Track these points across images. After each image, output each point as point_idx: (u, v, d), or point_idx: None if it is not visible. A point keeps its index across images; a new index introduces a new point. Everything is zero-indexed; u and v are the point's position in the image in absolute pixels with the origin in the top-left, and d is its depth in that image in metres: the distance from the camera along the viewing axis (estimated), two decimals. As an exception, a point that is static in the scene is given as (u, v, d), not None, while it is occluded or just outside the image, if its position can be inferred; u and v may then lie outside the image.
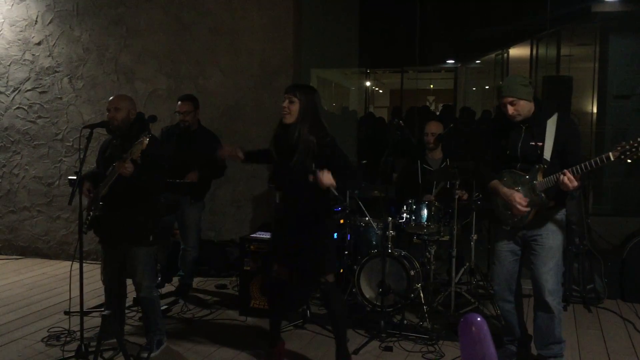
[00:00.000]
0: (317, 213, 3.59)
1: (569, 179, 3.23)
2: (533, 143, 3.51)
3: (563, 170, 3.29)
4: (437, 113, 11.66)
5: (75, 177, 3.80)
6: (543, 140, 3.48)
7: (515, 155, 3.58)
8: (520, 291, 3.83)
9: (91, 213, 3.83)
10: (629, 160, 3.05)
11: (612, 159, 3.09)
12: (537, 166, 3.48)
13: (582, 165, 3.21)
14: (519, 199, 3.48)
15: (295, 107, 3.51)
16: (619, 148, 3.08)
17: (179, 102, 5.08)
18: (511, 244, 3.70)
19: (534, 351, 3.83)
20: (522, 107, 3.49)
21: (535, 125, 3.52)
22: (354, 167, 3.52)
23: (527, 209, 3.47)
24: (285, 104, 3.53)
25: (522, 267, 3.76)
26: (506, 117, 3.56)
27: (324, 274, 3.60)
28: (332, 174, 3.31)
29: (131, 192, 3.76)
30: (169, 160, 4.24)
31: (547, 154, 3.47)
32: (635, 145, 3.03)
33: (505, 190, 3.56)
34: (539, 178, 3.46)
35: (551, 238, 3.56)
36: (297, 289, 4.09)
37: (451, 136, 5.26)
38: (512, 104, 3.48)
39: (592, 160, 3.17)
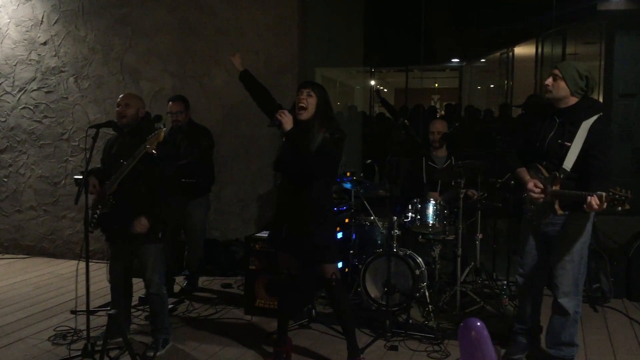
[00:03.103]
0: (321, 204, 3.58)
1: (596, 203, 3.08)
2: (560, 141, 3.44)
3: (590, 181, 3.24)
4: (442, 112, 11.65)
5: (81, 177, 3.81)
6: (572, 141, 3.39)
7: (542, 150, 3.51)
8: (543, 286, 3.83)
9: (98, 211, 3.85)
10: (619, 208, 3.05)
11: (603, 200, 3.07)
12: (554, 174, 3.41)
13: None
14: (532, 185, 3.45)
15: (313, 101, 3.52)
16: (611, 192, 3.06)
17: (170, 103, 5.09)
18: (536, 238, 3.67)
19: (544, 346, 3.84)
20: (559, 88, 3.42)
21: (570, 123, 3.44)
22: (318, 159, 3.45)
23: (542, 195, 3.41)
24: (304, 96, 3.51)
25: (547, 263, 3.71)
26: (544, 107, 3.55)
27: (327, 263, 3.60)
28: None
29: (140, 189, 3.77)
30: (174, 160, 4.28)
31: (569, 163, 3.38)
32: (623, 196, 3.03)
33: (525, 177, 3.54)
34: (555, 187, 3.39)
35: (566, 238, 3.52)
36: (305, 284, 4.10)
37: (456, 135, 5.26)
38: (554, 77, 3.43)
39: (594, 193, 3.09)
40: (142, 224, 3.75)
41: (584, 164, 3.37)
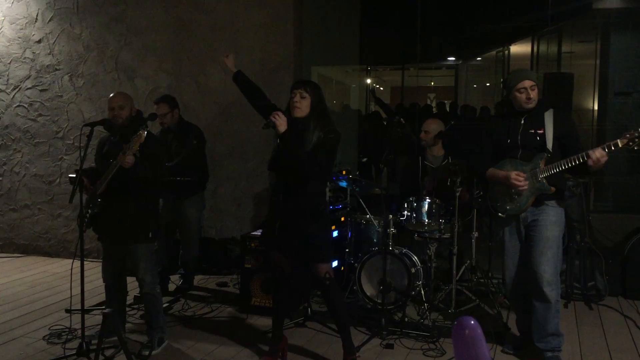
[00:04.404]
0: (314, 203, 3.59)
1: (600, 154, 3.31)
2: (532, 131, 3.64)
3: (570, 155, 3.44)
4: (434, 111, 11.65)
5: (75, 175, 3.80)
6: (542, 128, 3.62)
7: (515, 143, 3.69)
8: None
9: (89, 211, 3.84)
10: (636, 148, 3.25)
11: (620, 146, 3.28)
12: (540, 154, 3.59)
13: (607, 145, 3.33)
14: (515, 175, 3.59)
15: (306, 102, 3.54)
16: (627, 135, 3.26)
17: (155, 106, 5.06)
18: (517, 237, 3.78)
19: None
20: (536, 94, 3.64)
21: (534, 115, 3.67)
22: (313, 161, 3.47)
23: (526, 182, 3.58)
24: (297, 98, 3.54)
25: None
26: (508, 107, 3.75)
27: (320, 263, 3.60)
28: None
29: (129, 189, 3.76)
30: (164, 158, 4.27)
31: (549, 144, 3.58)
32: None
33: (502, 173, 3.68)
34: (542, 165, 3.57)
35: (549, 228, 3.64)
36: (300, 283, 4.10)
37: (452, 133, 5.26)
38: (532, 88, 3.62)
39: (605, 145, 3.32)
40: (127, 160, 3.60)
41: (561, 146, 3.60)
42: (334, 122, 3.60)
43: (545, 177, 3.56)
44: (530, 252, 3.70)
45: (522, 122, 3.69)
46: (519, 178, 3.58)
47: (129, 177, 3.69)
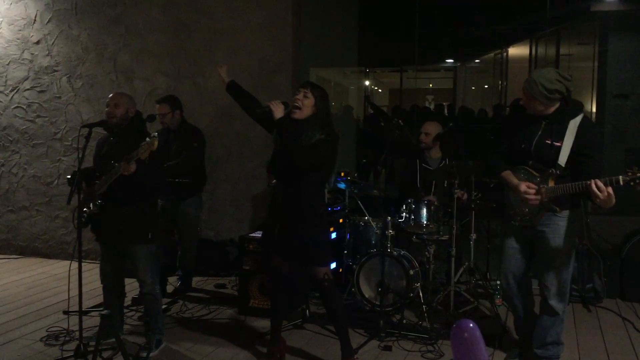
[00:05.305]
0: (313, 206, 3.58)
1: (597, 187, 3.05)
2: (549, 141, 3.40)
3: (584, 179, 3.16)
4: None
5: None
6: (561, 140, 3.36)
7: (529, 150, 3.47)
8: (531, 289, 3.80)
9: (86, 209, 3.83)
10: (638, 188, 2.97)
11: (621, 183, 3.03)
12: (550, 171, 3.37)
13: (609, 180, 3.06)
14: (525, 187, 3.38)
15: (309, 103, 3.51)
16: (629, 173, 3.00)
17: (157, 105, 5.07)
18: (519, 241, 3.65)
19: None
20: (535, 105, 3.40)
21: (556, 123, 3.41)
22: (309, 152, 3.44)
23: (538, 197, 3.35)
24: (300, 96, 3.51)
25: (531, 265, 3.71)
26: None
27: (318, 266, 3.60)
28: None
29: (130, 190, 3.76)
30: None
31: (563, 159, 3.35)
32: None
33: (515, 181, 3.47)
34: (550, 184, 3.36)
35: (558, 240, 3.47)
36: (298, 284, 4.10)
37: (450, 135, 5.26)
38: (527, 97, 3.42)
39: (607, 179, 3.06)
40: (130, 169, 3.58)
41: (576, 162, 3.35)
42: (333, 128, 3.58)
43: (550, 198, 3.35)
44: (537, 262, 3.58)
45: (541, 129, 3.44)
46: (529, 192, 3.37)
47: (132, 180, 3.68)
